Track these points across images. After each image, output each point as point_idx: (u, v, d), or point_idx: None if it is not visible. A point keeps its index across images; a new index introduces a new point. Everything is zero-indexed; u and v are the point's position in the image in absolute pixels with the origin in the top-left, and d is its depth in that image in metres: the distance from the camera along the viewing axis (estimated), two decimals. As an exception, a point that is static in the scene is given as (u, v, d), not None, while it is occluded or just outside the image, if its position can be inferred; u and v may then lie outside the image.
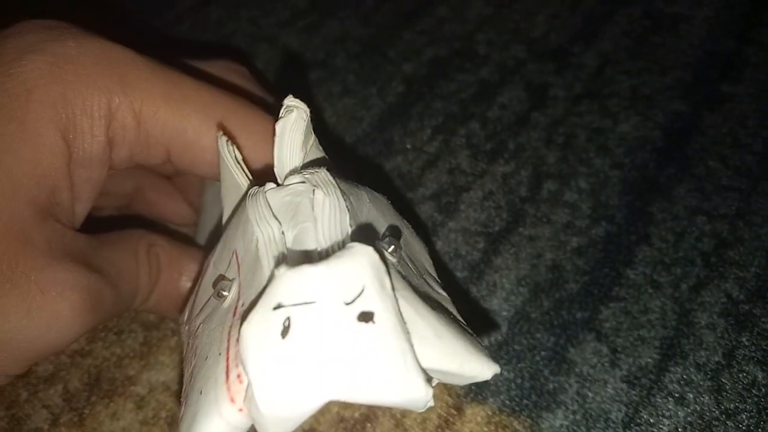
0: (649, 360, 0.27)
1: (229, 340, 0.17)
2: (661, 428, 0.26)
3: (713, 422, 0.26)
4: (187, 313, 0.22)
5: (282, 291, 0.15)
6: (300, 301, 0.14)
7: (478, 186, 0.34)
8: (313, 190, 0.18)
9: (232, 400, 0.16)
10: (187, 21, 0.44)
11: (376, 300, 0.15)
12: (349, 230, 0.17)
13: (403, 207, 0.33)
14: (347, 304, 0.15)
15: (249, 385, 0.15)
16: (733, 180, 0.34)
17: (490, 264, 0.31)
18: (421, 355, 0.16)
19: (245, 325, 0.15)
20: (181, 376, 0.27)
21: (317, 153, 0.21)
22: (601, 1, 0.44)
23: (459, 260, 0.31)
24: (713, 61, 0.40)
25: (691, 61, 0.40)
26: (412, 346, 0.15)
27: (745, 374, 0.27)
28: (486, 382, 0.27)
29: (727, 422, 0.26)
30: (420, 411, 0.17)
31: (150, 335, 0.29)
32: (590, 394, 0.27)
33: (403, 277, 0.18)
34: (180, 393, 0.27)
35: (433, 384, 0.16)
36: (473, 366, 0.17)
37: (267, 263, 0.17)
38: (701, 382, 0.27)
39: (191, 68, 0.25)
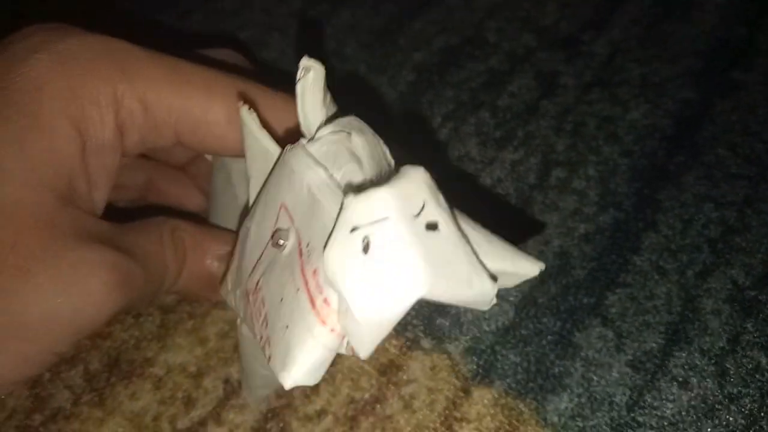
0: (654, 345, 0.28)
1: (304, 276, 0.18)
2: (665, 411, 0.26)
3: (716, 406, 0.26)
4: (230, 283, 0.23)
5: (356, 214, 0.16)
6: (374, 219, 0.16)
7: (487, 173, 0.34)
8: (349, 134, 0.20)
9: (324, 323, 0.18)
10: (200, 12, 0.45)
11: (437, 212, 0.17)
12: (392, 162, 0.19)
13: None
14: (415, 216, 0.16)
15: (342, 301, 0.17)
16: (742, 168, 0.34)
17: (498, 250, 0.31)
18: (480, 257, 0.18)
19: (328, 250, 0.16)
20: (198, 358, 0.28)
21: (334, 108, 0.22)
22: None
23: (468, 247, 0.32)
24: (724, 48, 0.40)
25: (702, 49, 0.40)
26: (473, 248, 0.18)
27: (748, 359, 0.27)
28: (494, 365, 0.28)
29: (730, 406, 0.26)
30: (485, 308, 0.19)
31: (167, 318, 0.29)
32: (595, 378, 0.27)
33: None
34: (197, 374, 0.28)
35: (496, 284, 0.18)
36: (524, 263, 0.19)
37: (326, 201, 0.18)
38: (705, 367, 0.27)
39: (190, 55, 0.25)
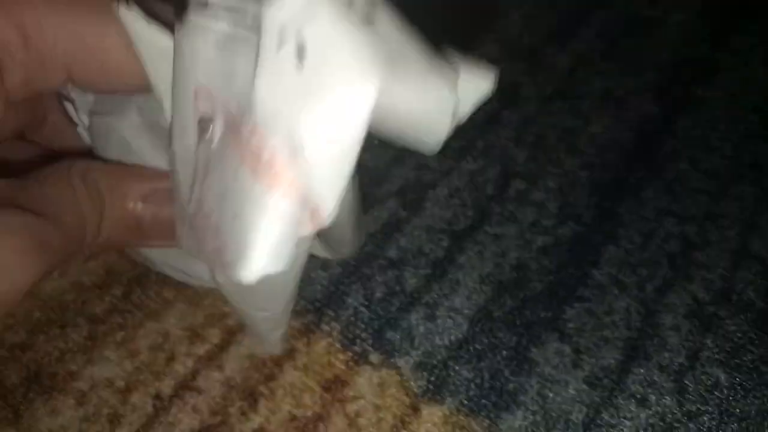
0: (612, 361, 0.27)
1: (241, 146, 0.15)
2: (622, 430, 0.25)
3: (675, 424, 0.25)
4: (182, 233, 0.19)
5: (280, 15, 0.14)
6: (302, 17, 0.14)
7: (445, 183, 0.33)
8: None
9: (272, 187, 0.14)
10: None
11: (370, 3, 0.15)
12: None
13: (367, 204, 0.32)
14: (349, 5, 0.14)
15: (288, 141, 0.14)
16: (702, 182, 0.34)
17: (453, 262, 0.30)
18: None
19: (257, 78, 0.14)
20: (127, 372, 0.26)
21: None
22: (577, 1, 0.44)
23: (422, 258, 0.30)
24: (686, 64, 0.40)
25: (664, 64, 0.40)
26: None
27: (707, 376, 0.26)
28: (445, 381, 0.26)
29: (689, 424, 0.25)
30: (443, 130, 0.17)
31: (95, 329, 0.27)
32: (551, 395, 0.26)
33: None
34: (125, 390, 0.26)
35: None
36: (476, 69, 0.17)
37: (240, 48, 0.15)
38: (664, 384, 0.26)
39: None
